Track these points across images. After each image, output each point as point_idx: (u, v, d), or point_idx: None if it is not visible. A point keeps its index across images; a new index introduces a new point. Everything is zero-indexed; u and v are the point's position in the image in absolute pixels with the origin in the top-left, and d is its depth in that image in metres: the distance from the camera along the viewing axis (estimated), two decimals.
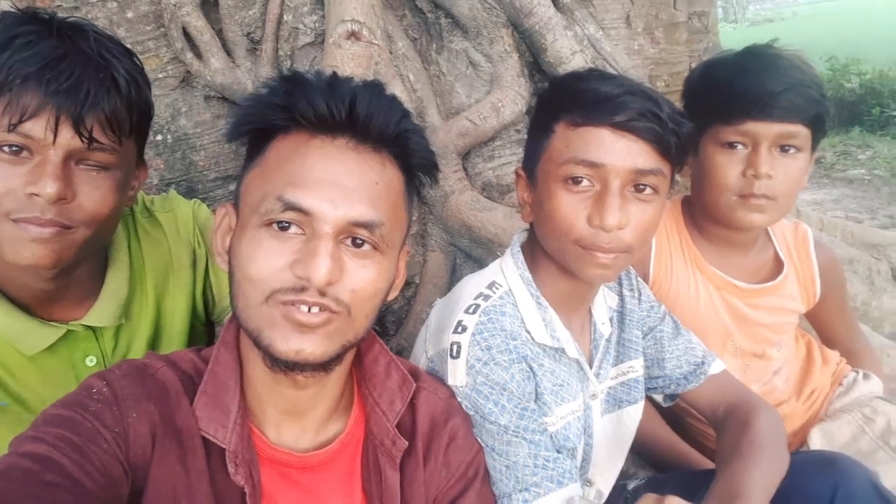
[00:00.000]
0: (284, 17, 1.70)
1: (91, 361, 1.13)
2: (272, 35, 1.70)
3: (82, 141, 0.92)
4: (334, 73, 0.81)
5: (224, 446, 0.79)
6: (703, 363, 1.22)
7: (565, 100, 1.01)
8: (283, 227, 0.75)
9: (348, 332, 0.79)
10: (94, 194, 0.96)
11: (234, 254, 0.79)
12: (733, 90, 1.24)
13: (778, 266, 1.45)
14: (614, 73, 1.09)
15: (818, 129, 1.25)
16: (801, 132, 1.23)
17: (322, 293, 0.74)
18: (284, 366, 0.77)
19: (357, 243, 0.77)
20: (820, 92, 1.24)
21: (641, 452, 1.40)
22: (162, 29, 1.66)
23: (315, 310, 0.75)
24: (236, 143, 0.83)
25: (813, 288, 1.46)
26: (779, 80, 1.21)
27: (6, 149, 0.90)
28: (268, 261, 0.75)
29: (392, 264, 0.83)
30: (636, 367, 1.20)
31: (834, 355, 1.55)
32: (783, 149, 1.24)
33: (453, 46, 1.81)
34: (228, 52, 1.71)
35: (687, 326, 1.33)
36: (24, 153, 0.91)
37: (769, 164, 1.23)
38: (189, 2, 1.63)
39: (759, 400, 1.16)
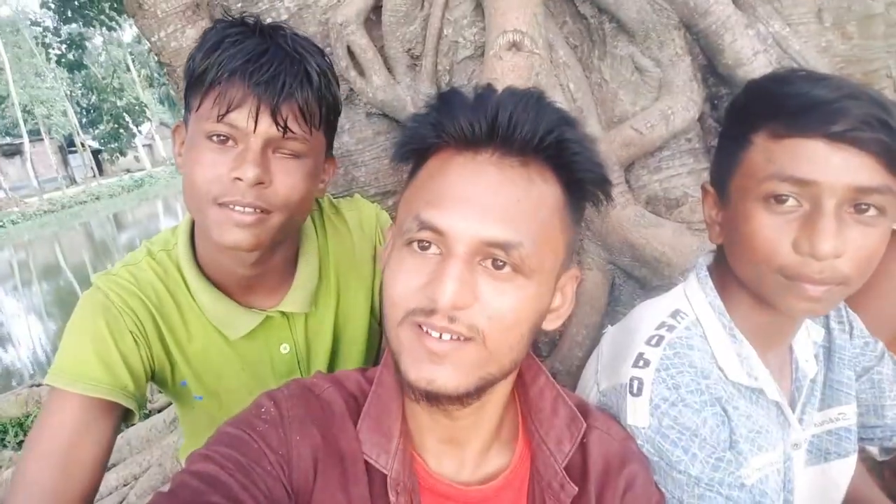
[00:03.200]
0: (444, 31, 1.69)
1: (285, 349, 1.21)
2: (432, 50, 1.69)
3: (278, 129, 0.99)
4: (489, 85, 0.75)
5: (386, 472, 0.76)
6: None
7: (766, 106, 0.86)
8: (424, 246, 0.71)
9: (488, 365, 0.71)
10: (287, 180, 1.03)
11: (384, 273, 0.77)
12: None
13: None
14: (828, 74, 0.90)
15: None
16: None
17: (451, 318, 0.68)
18: (419, 394, 0.72)
19: (498, 265, 0.70)
20: None
21: None
22: (328, 48, 1.71)
23: (446, 336, 0.69)
24: (397, 162, 0.80)
25: None
26: None
27: (215, 138, 1.00)
28: (407, 281, 0.71)
29: (543, 290, 0.74)
30: (847, 414, 1.02)
31: None
32: None
33: (617, 52, 1.70)
34: (389, 69, 1.73)
35: None
36: (230, 142, 1.00)
37: None
38: (354, 20, 1.67)
39: None
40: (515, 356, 0.74)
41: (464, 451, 0.82)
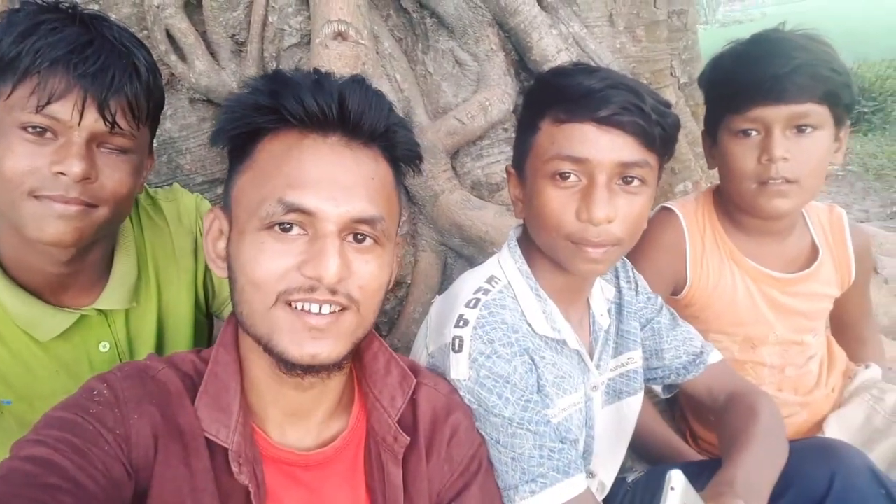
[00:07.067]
0: (269, 18, 1.69)
1: (104, 347, 1.16)
2: (257, 36, 1.68)
3: (106, 124, 0.95)
4: (317, 70, 0.81)
5: (227, 446, 0.78)
6: (701, 353, 1.23)
7: (549, 96, 1.01)
8: (286, 228, 0.75)
9: (358, 329, 0.80)
10: (115, 175, 0.99)
11: (234, 259, 0.78)
12: (739, 79, 1.24)
13: (814, 252, 1.43)
14: (598, 66, 1.09)
15: (835, 104, 1.22)
16: (813, 111, 1.20)
17: (333, 291, 0.74)
18: (300, 370, 0.77)
19: (359, 239, 0.78)
20: (830, 68, 1.20)
21: (637, 448, 1.41)
22: (145, 31, 1.63)
23: (326, 308, 0.75)
24: (216, 145, 0.83)
25: (848, 271, 1.45)
26: (783, 62, 1.19)
27: (30, 129, 0.93)
28: (274, 264, 0.74)
29: (391, 256, 0.84)
30: (635, 359, 1.21)
31: (842, 352, 1.56)
32: (799, 129, 1.22)
33: (439, 46, 1.81)
34: (213, 55, 1.69)
35: (727, 322, 1.34)
36: (48, 134, 0.94)
37: (784, 147, 1.21)
38: (172, 4, 1.61)
39: (758, 389, 1.18)
40: (375, 318, 0.83)
41: (308, 420, 0.87)
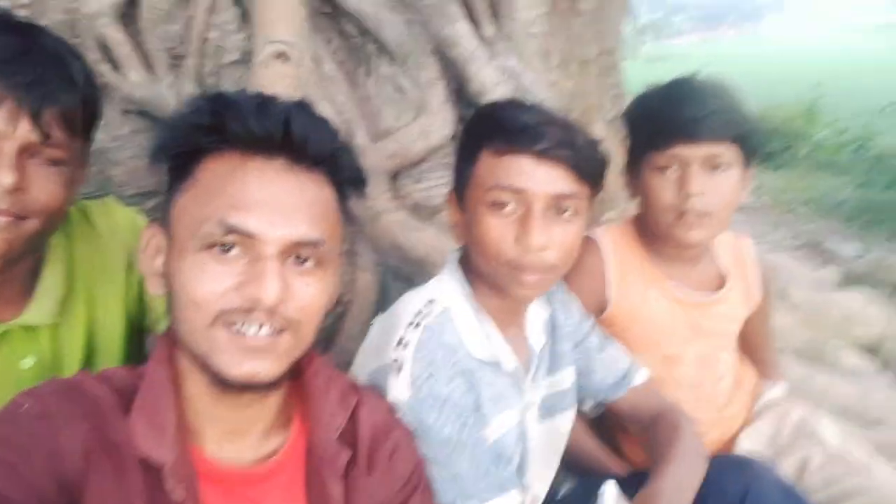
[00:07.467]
0: (209, 34, 1.68)
1: (28, 363, 1.10)
2: (196, 52, 1.66)
3: (39, 135, 0.93)
4: (260, 92, 0.82)
5: (161, 463, 0.77)
6: (627, 374, 1.29)
7: (489, 128, 1.06)
8: (226, 249, 0.75)
9: (296, 349, 0.81)
10: (47, 187, 0.97)
11: (174, 278, 0.78)
12: (661, 119, 1.33)
13: (724, 277, 1.54)
14: (533, 103, 1.17)
15: (745, 144, 1.33)
16: (726, 151, 1.31)
17: (271, 313, 0.75)
18: (238, 387, 0.78)
19: (300, 261, 0.79)
20: (740, 113, 1.33)
21: (568, 461, 1.45)
22: (77, 39, 1.58)
23: (265, 329, 0.76)
24: (155, 162, 0.82)
25: (755, 293, 1.57)
26: (700, 107, 1.29)
27: None
28: (213, 284, 0.74)
29: (333, 278, 0.85)
30: (567, 377, 1.26)
31: (751, 371, 1.67)
32: (714, 167, 1.32)
33: (381, 71, 1.84)
34: (148, 66, 1.65)
35: (648, 341, 1.41)
36: None
37: (700, 183, 1.30)
38: (107, 13, 1.57)
39: (679, 409, 1.26)
40: (313, 337, 0.84)
41: (246, 437, 0.86)
